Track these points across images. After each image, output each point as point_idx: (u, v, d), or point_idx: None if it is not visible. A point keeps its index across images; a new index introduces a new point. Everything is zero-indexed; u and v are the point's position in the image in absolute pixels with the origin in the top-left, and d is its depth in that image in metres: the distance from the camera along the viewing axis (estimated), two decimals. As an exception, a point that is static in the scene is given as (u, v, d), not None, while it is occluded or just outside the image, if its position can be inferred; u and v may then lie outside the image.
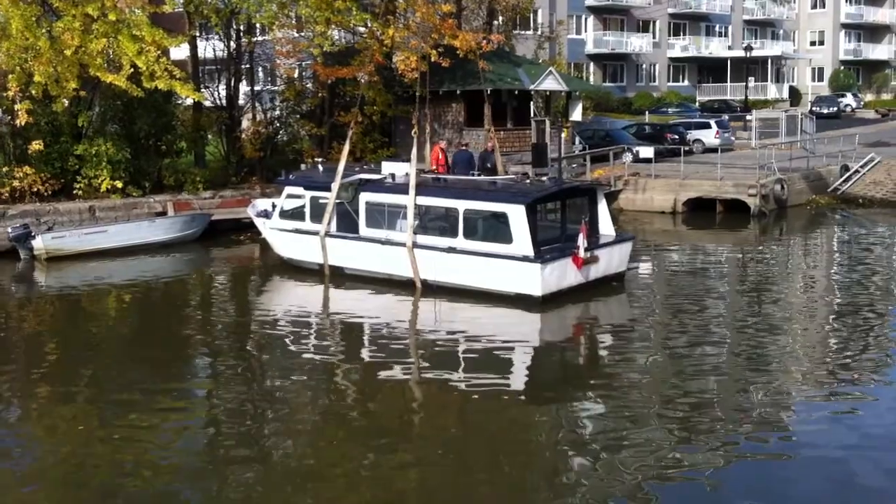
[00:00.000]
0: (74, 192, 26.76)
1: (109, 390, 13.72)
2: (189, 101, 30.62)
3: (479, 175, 22.46)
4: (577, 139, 37.87)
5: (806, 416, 12.25)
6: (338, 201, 20.60)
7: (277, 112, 34.43)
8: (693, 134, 41.98)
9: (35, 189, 25.97)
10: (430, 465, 10.98)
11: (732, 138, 43.49)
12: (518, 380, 14.57)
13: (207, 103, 31.52)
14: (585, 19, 65.38)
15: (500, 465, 10.83)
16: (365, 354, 15.79)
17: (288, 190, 22.22)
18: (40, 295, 21.16)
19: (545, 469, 10.87)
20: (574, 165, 33.59)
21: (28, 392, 13.79)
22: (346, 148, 21.94)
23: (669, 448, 11.09)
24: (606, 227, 20.04)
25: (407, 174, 20.06)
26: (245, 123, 33.08)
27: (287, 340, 16.61)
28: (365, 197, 20.39)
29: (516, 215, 18.02)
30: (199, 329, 17.81)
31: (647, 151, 35.03)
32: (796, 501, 9.81)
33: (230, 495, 10.17)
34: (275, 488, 10.18)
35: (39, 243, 23.30)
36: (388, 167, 21.50)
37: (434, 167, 23.88)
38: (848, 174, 33.89)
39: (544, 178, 21.92)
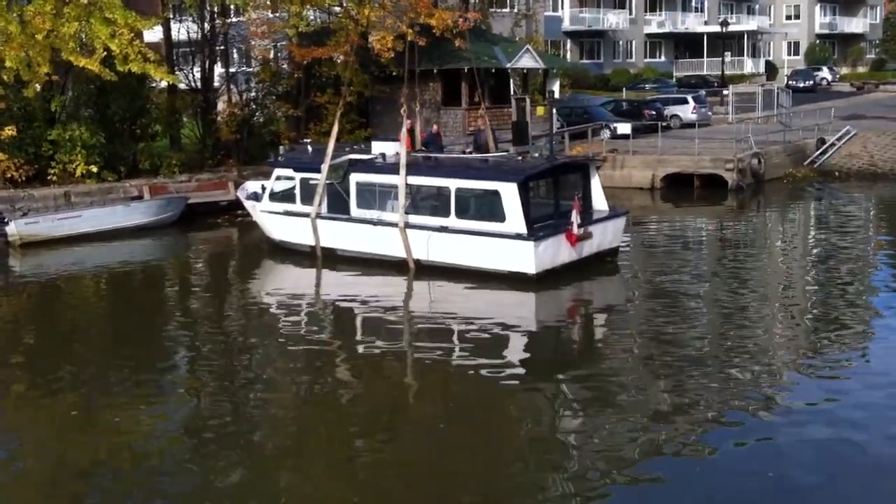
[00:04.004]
0: (49, 177, 26.50)
1: (88, 379, 13.60)
2: (163, 84, 30.28)
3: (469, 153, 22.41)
4: (556, 116, 37.78)
5: (790, 391, 12.35)
6: (328, 182, 20.48)
7: (253, 94, 34.17)
8: (670, 110, 41.99)
9: (9, 175, 25.70)
10: (420, 448, 10.96)
11: (709, 113, 43.56)
12: (511, 362, 14.49)
13: (182, 86, 31.25)
14: (562, -4, 65.17)
15: (490, 448, 10.82)
16: (357, 337, 15.74)
17: (277, 172, 22.08)
18: (14, 281, 20.95)
19: (535, 452, 10.85)
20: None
21: (2, 382, 13.63)
22: (335, 129, 21.76)
23: (658, 428, 11.13)
24: (600, 202, 19.96)
25: (397, 154, 19.94)
26: (220, 106, 32.81)
27: (276, 324, 16.51)
28: (355, 177, 20.27)
29: (509, 193, 17.91)
30: (182, 314, 17.73)
31: (624, 128, 35.08)
32: (782, 476, 9.88)
33: (215, 484, 10.08)
34: (260, 476, 10.13)
35: (13, 229, 23.06)
36: (377, 147, 21.38)
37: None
38: (824, 147, 34.06)
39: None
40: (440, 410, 12.18)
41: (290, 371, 13.88)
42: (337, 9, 32.24)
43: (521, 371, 13.99)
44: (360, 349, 14.86)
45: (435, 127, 27.32)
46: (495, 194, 18.19)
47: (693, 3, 74.75)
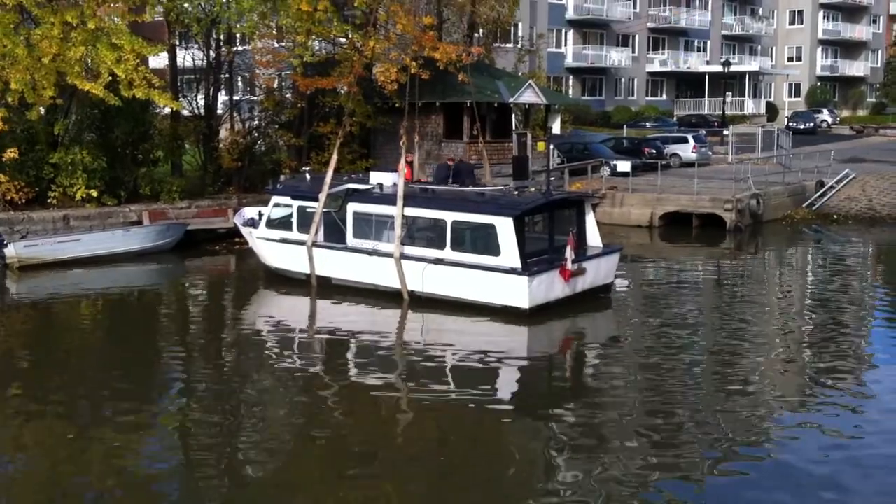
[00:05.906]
0: (49, 200, 26.55)
1: (81, 405, 13.56)
2: (167, 110, 30.42)
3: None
4: (556, 152, 37.92)
5: (783, 433, 12.31)
6: (325, 211, 20.55)
7: (256, 122, 34.30)
8: (670, 148, 42.16)
9: (9, 197, 25.74)
10: (412, 481, 10.91)
11: (709, 153, 43.73)
12: (503, 395, 14.51)
13: (186, 112, 31.37)
14: (565, 33, 65.64)
15: (481, 480, 10.78)
16: (350, 367, 15.71)
17: (275, 199, 22.16)
18: (11, 304, 20.91)
19: (528, 485, 10.82)
20: (552, 179, 33.61)
21: (-2, 403, 13.60)
22: (334, 158, 21.88)
23: (650, 465, 11.12)
24: (594, 239, 20.10)
25: (395, 184, 20.04)
26: (223, 133, 32.93)
27: (269, 353, 16.50)
28: (352, 207, 20.36)
29: (504, 227, 18.03)
30: (176, 341, 17.68)
31: (624, 165, 35.21)
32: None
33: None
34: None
35: (11, 251, 23.08)
36: (375, 177, 21.48)
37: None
38: (823, 190, 34.20)
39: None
40: (433, 444, 12.14)
41: (282, 401, 13.84)
42: (342, 40, 32.44)
43: (513, 405, 13.97)
44: (353, 380, 14.83)
45: (452, 159, 27.21)
46: (491, 228, 18.29)
47: (695, 43, 75.34)
